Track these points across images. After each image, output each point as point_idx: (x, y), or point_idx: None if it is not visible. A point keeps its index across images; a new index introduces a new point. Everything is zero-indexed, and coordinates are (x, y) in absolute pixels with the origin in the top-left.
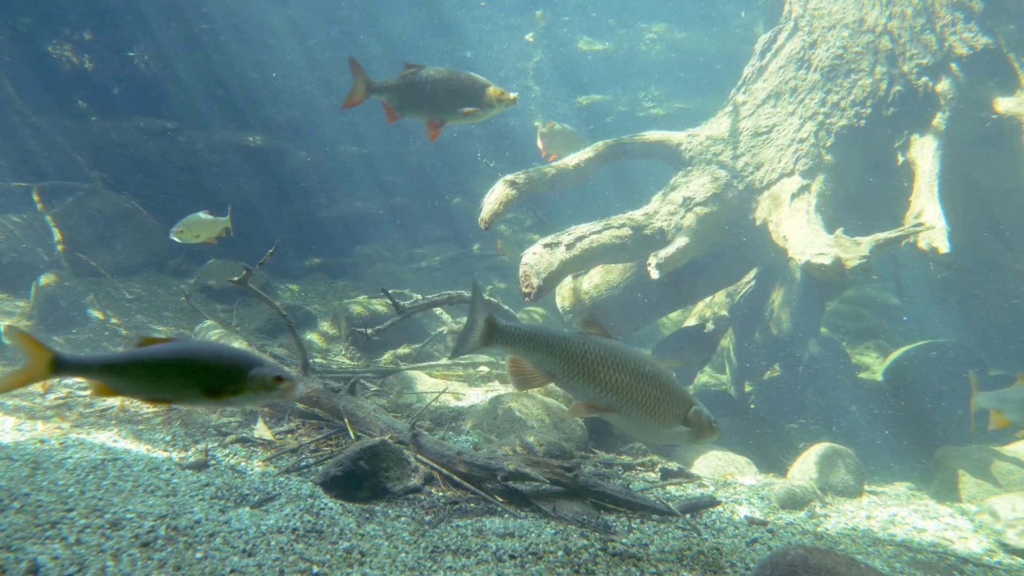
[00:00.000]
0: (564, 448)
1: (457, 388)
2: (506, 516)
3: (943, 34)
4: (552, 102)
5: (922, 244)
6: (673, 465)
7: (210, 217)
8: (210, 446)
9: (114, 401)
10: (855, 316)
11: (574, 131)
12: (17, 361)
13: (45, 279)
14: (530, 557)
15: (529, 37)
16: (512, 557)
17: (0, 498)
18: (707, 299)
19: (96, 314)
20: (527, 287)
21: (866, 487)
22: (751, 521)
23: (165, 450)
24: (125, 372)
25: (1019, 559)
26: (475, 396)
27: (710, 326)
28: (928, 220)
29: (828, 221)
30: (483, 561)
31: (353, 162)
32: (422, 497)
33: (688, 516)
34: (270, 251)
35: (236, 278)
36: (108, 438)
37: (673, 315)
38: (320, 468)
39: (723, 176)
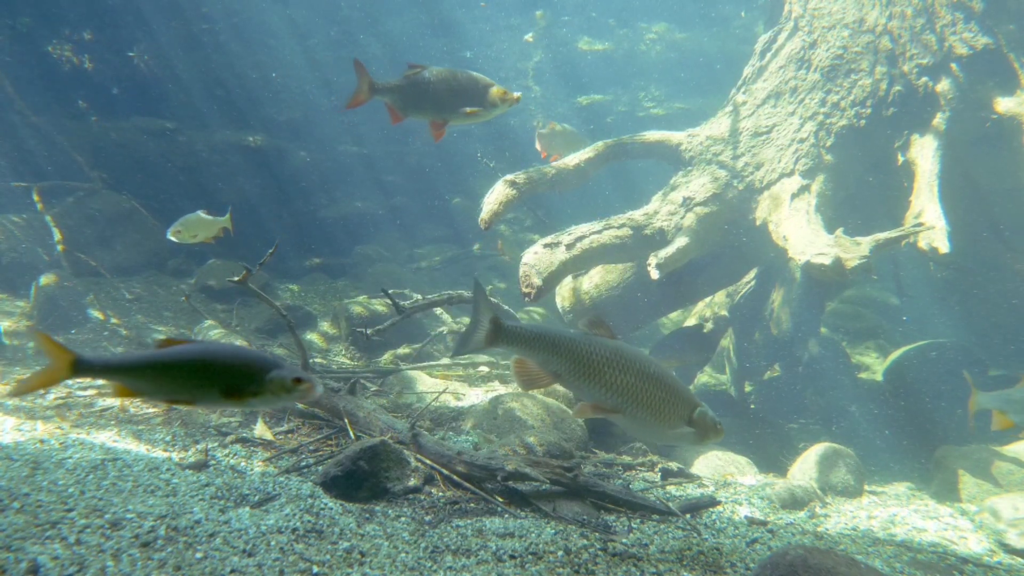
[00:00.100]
0: (564, 448)
1: (457, 388)
2: (506, 516)
3: (943, 34)
4: (552, 102)
5: (922, 244)
6: (673, 465)
7: (208, 217)
8: (210, 446)
9: (114, 401)
10: (855, 316)
11: (574, 131)
12: (17, 361)
13: (45, 279)
14: (530, 557)
15: (529, 37)
16: (512, 557)
17: (0, 498)
18: (707, 299)
19: (96, 314)
20: (527, 287)
21: (866, 487)
22: (751, 521)
23: (165, 450)
24: (145, 373)
25: (1019, 559)
26: (475, 396)
27: (709, 326)
28: (928, 220)
29: (828, 221)
30: (483, 561)
31: (353, 162)
32: (422, 497)
33: (688, 516)
34: (270, 251)
35: (236, 278)
36: (108, 438)
37: (673, 315)
38: (320, 468)
39: (723, 176)
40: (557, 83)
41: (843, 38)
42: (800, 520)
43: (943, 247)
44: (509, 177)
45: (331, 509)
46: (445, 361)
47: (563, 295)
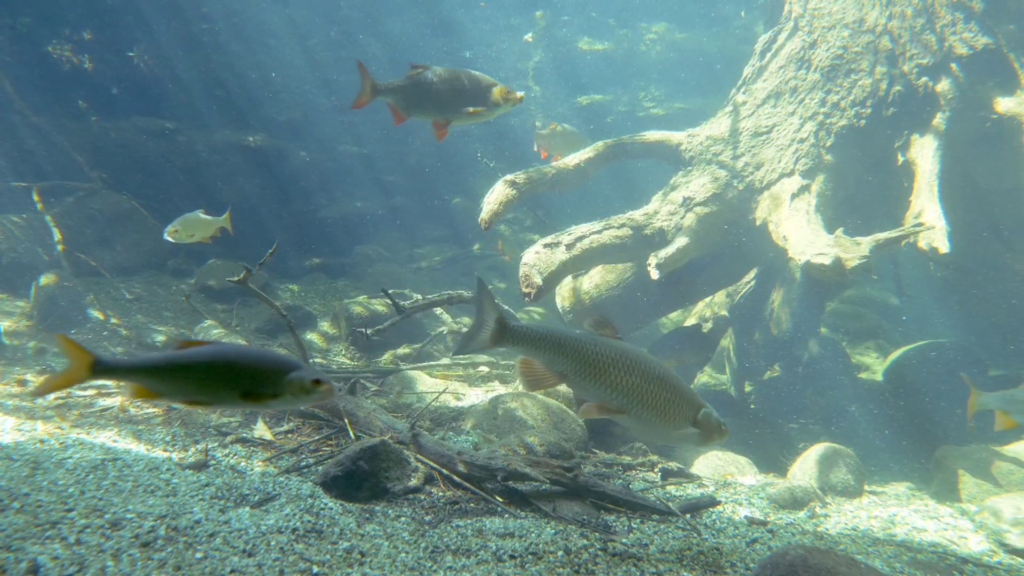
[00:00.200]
0: (564, 448)
1: (457, 388)
2: (506, 516)
3: (943, 34)
4: (552, 102)
5: (922, 244)
6: (673, 465)
7: (206, 216)
8: (210, 446)
9: (114, 401)
10: (855, 316)
11: (575, 131)
12: (17, 361)
13: (45, 279)
14: (530, 557)
15: (528, 37)
16: (512, 557)
17: (0, 498)
18: (707, 299)
19: (96, 314)
20: (527, 287)
21: (866, 487)
22: (751, 521)
23: (165, 450)
24: (164, 375)
25: (1020, 559)
26: (475, 396)
27: (707, 326)
28: (928, 220)
29: (828, 221)
30: (483, 561)
31: (353, 162)
32: (422, 497)
33: (688, 516)
34: (270, 251)
35: (236, 278)
36: (108, 438)
37: (673, 315)
38: (320, 468)
39: (723, 176)
40: (557, 83)
41: (843, 38)
42: (800, 520)
43: (943, 247)
44: (509, 177)
45: (331, 509)
46: (445, 361)
47: (563, 295)
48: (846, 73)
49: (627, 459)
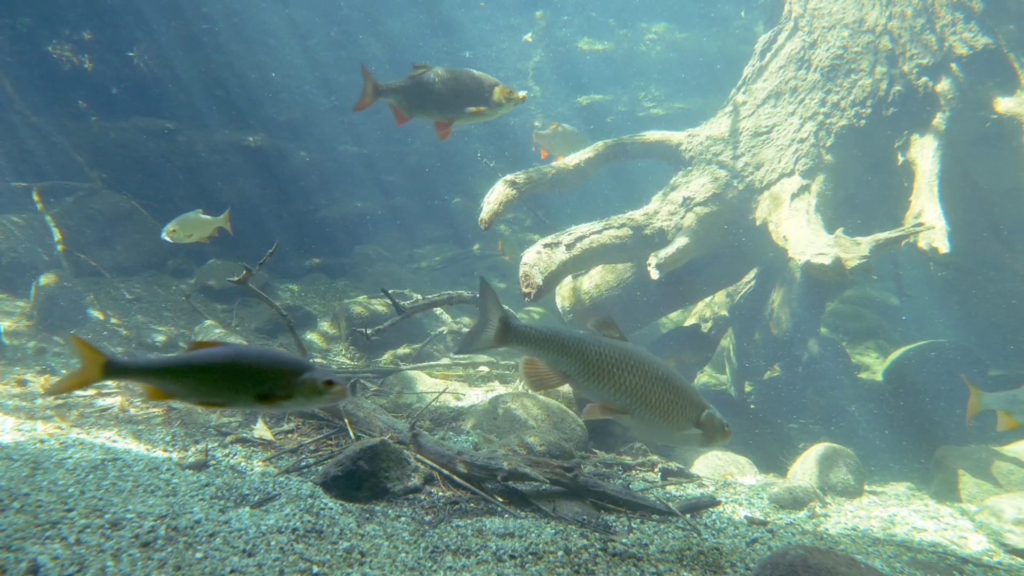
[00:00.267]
0: (564, 448)
1: (457, 388)
2: (506, 516)
3: (943, 34)
4: (552, 102)
5: (922, 244)
6: (673, 465)
7: (204, 216)
8: (210, 446)
9: (113, 401)
10: (855, 316)
11: (575, 131)
12: (17, 361)
13: (45, 279)
14: (530, 557)
15: (528, 37)
16: (512, 557)
17: (0, 498)
18: (707, 299)
19: (96, 314)
20: (527, 287)
21: (866, 487)
22: (751, 521)
23: (165, 450)
24: (177, 376)
25: (1020, 559)
26: (475, 396)
27: (706, 326)
28: (928, 220)
29: (828, 221)
30: (483, 561)
31: (353, 162)
32: (422, 497)
33: (688, 516)
34: (270, 251)
35: (236, 278)
36: (108, 438)
37: (673, 315)
38: (320, 468)
39: (723, 176)
40: (557, 83)
41: (843, 38)
42: (800, 520)
43: (943, 247)
44: (509, 177)
45: (331, 509)
46: (445, 361)
47: (563, 295)
48: (846, 73)
49: (627, 459)
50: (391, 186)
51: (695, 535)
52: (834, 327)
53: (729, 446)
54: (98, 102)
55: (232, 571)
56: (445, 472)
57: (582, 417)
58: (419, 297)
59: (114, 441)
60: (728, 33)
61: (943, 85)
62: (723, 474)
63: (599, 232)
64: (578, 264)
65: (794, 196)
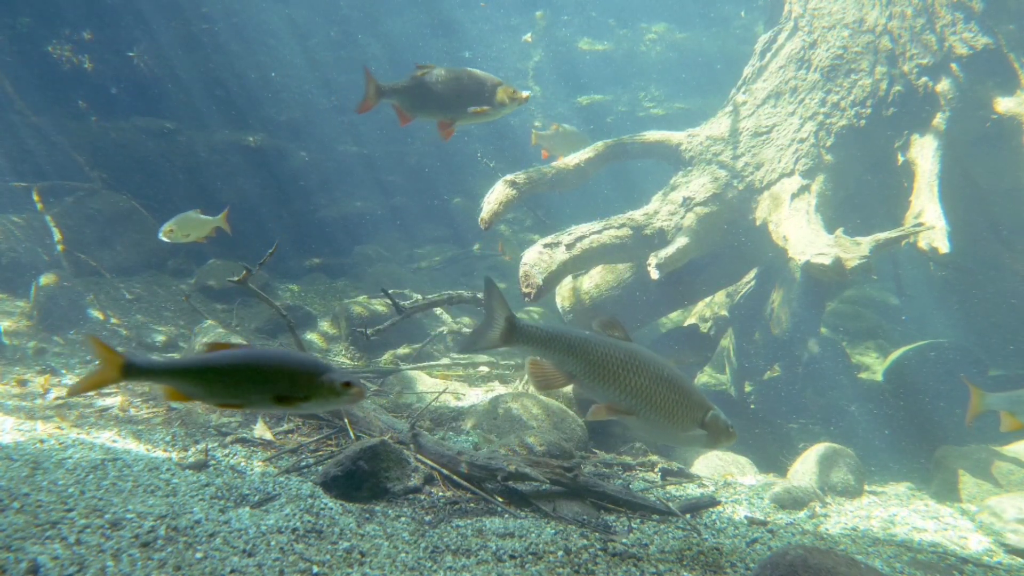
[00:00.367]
0: (564, 448)
1: (457, 388)
2: (506, 516)
3: (943, 34)
4: (552, 102)
5: (922, 244)
6: (673, 465)
7: (201, 216)
8: (210, 446)
9: (113, 401)
10: (855, 316)
11: (575, 131)
12: (17, 361)
13: (45, 279)
14: (530, 557)
15: (528, 37)
16: (512, 557)
17: (0, 498)
18: (707, 299)
19: (96, 314)
20: (527, 287)
21: (866, 487)
22: (751, 521)
23: (165, 450)
24: (196, 378)
25: (1020, 559)
26: (475, 396)
27: (706, 326)
28: (928, 220)
29: (828, 221)
30: (483, 561)
31: (353, 162)
32: (422, 497)
33: (688, 516)
34: (270, 251)
35: (236, 278)
36: (108, 438)
37: (673, 315)
38: (320, 468)
39: (723, 176)
40: (557, 83)
41: (843, 38)
42: (800, 520)
43: (943, 247)
44: (509, 177)
45: (331, 509)
46: (445, 361)
47: (563, 295)
48: (846, 73)
49: (627, 459)
50: (391, 186)
51: (695, 535)
52: (834, 327)
53: (729, 446)
54: (98, 102)
55: (232, 571)
56: (445, 472)
57: (588, 418)
58: (419, 297)
59: (114, 441)
60: (728, 33)
61: (943, 85)
62: (723, 474)
63: (599, 232)
64: (578, 264)
65: (794, 196)
